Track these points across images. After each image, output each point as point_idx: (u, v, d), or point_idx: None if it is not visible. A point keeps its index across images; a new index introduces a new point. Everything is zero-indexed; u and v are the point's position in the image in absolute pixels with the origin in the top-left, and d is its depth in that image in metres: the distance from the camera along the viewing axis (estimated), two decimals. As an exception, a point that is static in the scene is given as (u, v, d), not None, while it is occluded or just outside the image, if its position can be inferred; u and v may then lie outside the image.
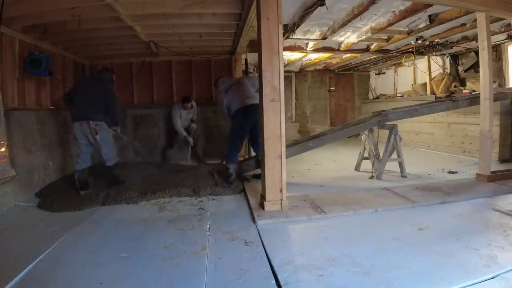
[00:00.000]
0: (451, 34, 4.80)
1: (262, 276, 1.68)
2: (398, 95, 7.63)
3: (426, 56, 6.43)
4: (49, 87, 4.08)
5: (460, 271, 1.64)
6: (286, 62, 7.04)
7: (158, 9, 3.25)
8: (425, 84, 6.72)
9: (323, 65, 8.10)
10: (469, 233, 2.14)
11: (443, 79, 6.31)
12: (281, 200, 2.63)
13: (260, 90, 2.61)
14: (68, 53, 4.56)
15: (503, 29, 4.58)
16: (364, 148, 4.16)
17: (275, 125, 2.58)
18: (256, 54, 2.89)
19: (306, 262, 1.80)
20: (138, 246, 2.09)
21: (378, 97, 8.52)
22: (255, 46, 3.65)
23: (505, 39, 5.07)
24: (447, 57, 6.29)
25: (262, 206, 2.66)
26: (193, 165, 4.67)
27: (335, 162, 5.05)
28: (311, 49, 5.65)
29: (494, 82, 4.81)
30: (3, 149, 2.87)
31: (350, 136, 4.49)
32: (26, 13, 3.07)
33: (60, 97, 3.96)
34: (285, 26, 4.31)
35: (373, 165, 3.90)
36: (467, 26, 4.25)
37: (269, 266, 1.77)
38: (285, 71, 5.24)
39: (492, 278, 1.57)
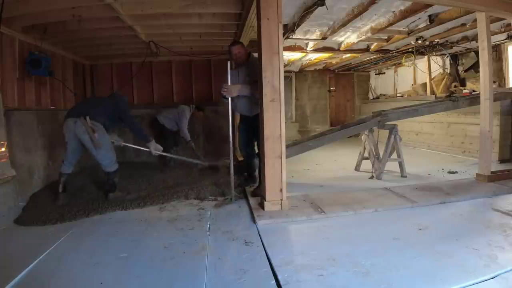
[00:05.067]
0: (451, 34, 4.79)
1: (262, 276, 1.68)
2: (398, 95, 7.62)
3: (426, 56, 6.42)
4: (49, 87, 4.08)
5: (460, 271, 1.64)
6: (286, 62, 7.04)
7: (158, 9, 3.25)
8: (425, 84, 6.72)
9: (323, 65, 8.10)
10: (469, 233, 2.14)
11: (443, 79, 6.31)
12: (281, 200, 2.63)
13: (260, 90, 2.61)
14: (68, 53, 4.56)
15: (503, 29, 4.58)
16: (364, 148, 4.16)
17: (275, 125, 2.57)
18: (256, 54, 2.89)
19: (306, 262, 1.79)
20: (138, 246, 2.09)
21: (378, 97, 8.51)
22: (255, 46, 3.64)
23: (505, 39, 5.07)
24: (447, 57, 6.29)
25: (262, 206, 2.66)
26: (204, 164, 4.46)
27: (335, 162, 5.05)
28: (311, 49, 5.65)
29: (494, 82, 4.81)
30: (3, 149, 2.86)
31: (350, 136, 4.48)
32: (26, 13, 3.07)
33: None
34: (285, 26, 4.31)
35: (373, 165, 3.90)
36: (467, 26, 4.24)
37: (269, 266, 1.77)
38: (285, 71, 5.24)
39: (492, 278, 1.57)
